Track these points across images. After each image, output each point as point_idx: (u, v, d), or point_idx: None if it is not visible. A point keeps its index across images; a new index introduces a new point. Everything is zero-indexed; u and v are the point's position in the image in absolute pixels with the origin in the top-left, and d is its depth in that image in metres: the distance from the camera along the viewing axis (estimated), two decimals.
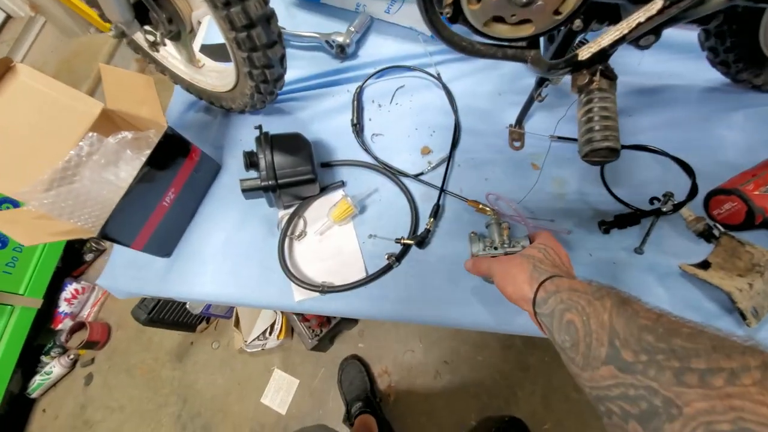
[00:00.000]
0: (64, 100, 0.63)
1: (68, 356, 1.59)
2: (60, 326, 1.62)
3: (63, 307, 1.66)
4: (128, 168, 0.61)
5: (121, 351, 1.68)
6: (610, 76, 0.43)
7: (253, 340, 1.47)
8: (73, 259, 1.82)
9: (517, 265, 0.44)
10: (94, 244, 1.84)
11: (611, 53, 0.41)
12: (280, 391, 1.48)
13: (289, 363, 1.52)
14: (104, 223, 0.58)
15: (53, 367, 1.55)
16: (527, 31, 0.44)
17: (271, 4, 0.87)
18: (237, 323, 1.52)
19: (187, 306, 1.42)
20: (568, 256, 0.47)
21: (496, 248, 0.54)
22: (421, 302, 0.59)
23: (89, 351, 1.65)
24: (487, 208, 0.61)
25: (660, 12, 0.35)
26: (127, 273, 0.72)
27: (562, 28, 0.45)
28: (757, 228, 0.52)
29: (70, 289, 1.69)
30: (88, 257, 1.84)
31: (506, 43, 0.48)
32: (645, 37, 0.40)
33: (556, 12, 0.41)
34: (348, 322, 1.48)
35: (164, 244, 0.69)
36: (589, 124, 0.41)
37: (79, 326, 1.61)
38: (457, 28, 0.47)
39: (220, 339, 1.63)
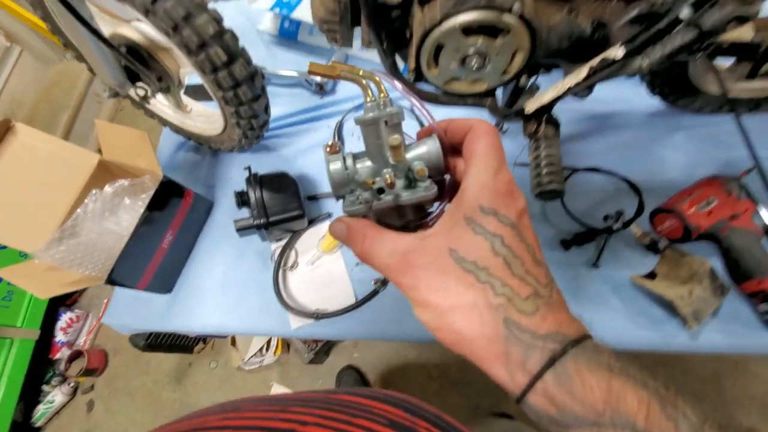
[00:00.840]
0: (62, 154, 0.67)
1: (68, 384, 1.61)
2: (58, 355, 1.65)
3: (59, 336, 1.68)
4: (127, 216, 0.66)
5: (120, 376, 1.71)
6: (554, 123, 0.50)
7: (251, 357, 1.52)
8: None
9: (465, 308, 0.24)
10: None
11: (552, 106, 0.48)
12: None
13: (287, 377, 1.57)
14: (110, 270, 0.63)
15: (55, 395, 1.58)
16: (481, 87, 0.50)
17: (252, 45, 0.92)
18: (233, 342, 1.56)
19: None
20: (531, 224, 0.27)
21: (382, 191, 0.28)
22: (408, 322, 0.65)
23: (89, 378, 1.68)
24: (354, 73, 0.28)
25: (586, 78, 0.41)
26: (130, 311, 0.77)
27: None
28: (697, 240, 0.59)
29: (65, 318, 1.71)
30: None
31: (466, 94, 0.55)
32: (581, 91, 0.47)
33: (504, 72, 0.47)
34: None
35: (165, 282, 0.74)
36: (538, 169, 0.48)
37: (77, 354, 1.63)
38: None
39: (218, 358, 1.67)
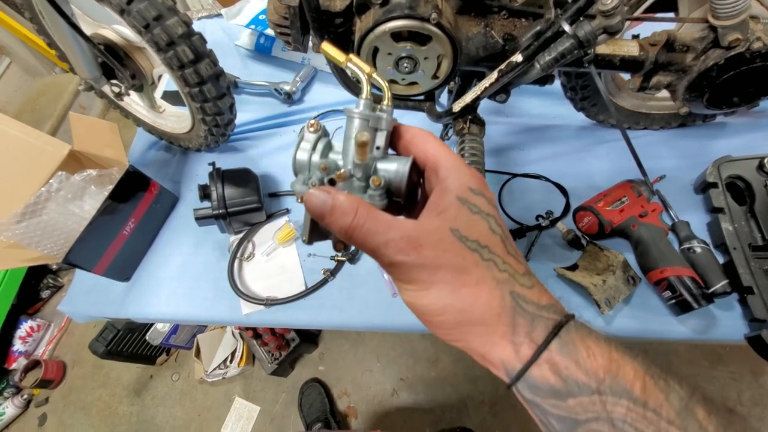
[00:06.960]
0: (36, 143, 0.71)
1: (21, 396, 1.55)
2: (14, 365, 1.60)
3: (17, 345, 1.63)
4: (92, 201, 0.69)
5: (76, 389, 1.66)
6: (478, 122, 0.57)
7: (214, 369, 1.50)
8: (30, 297, 1.80)
9: (472, 284, 0.24)
10: (51, 281, 1.83)
11: (476, 106, 0.55)
12: (240, 420, 1.50)
13: (250, 390, 1.55)
14: (68, 250, 0.66)
15: (6, 408, 1.52)
16: (417, 90, 0.57)
17: (229, 58, 0.99)
18: (198, 353, 1.54)
19: (147, 337, 1.44)
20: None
21: (333, 182, 0.27)
22: (351, 310, 0.69)
23: (44, 390, 1.62)
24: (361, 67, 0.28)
25: (495, 81, 0.49)
26: (87, 298, 0.78)
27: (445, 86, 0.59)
28: (610, 236, 0.66)
29: (26, 326, 1.67)
30: (45, 294, 1.83)
31: (407, 97, 0.62)
32: (498, 95, 0.55)
33: (435, 77, 0.55)
34: (308, 346, 1.54)
35: (124, 269, 0.76)
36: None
37: (34, 364, 1.58)
38: None
39: (180, 370, 1.64)
